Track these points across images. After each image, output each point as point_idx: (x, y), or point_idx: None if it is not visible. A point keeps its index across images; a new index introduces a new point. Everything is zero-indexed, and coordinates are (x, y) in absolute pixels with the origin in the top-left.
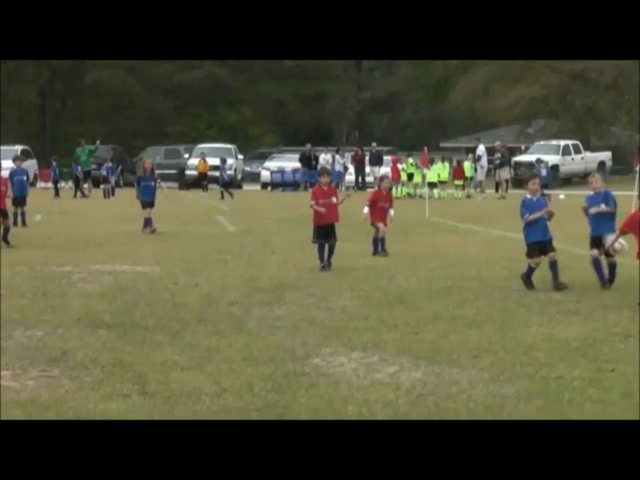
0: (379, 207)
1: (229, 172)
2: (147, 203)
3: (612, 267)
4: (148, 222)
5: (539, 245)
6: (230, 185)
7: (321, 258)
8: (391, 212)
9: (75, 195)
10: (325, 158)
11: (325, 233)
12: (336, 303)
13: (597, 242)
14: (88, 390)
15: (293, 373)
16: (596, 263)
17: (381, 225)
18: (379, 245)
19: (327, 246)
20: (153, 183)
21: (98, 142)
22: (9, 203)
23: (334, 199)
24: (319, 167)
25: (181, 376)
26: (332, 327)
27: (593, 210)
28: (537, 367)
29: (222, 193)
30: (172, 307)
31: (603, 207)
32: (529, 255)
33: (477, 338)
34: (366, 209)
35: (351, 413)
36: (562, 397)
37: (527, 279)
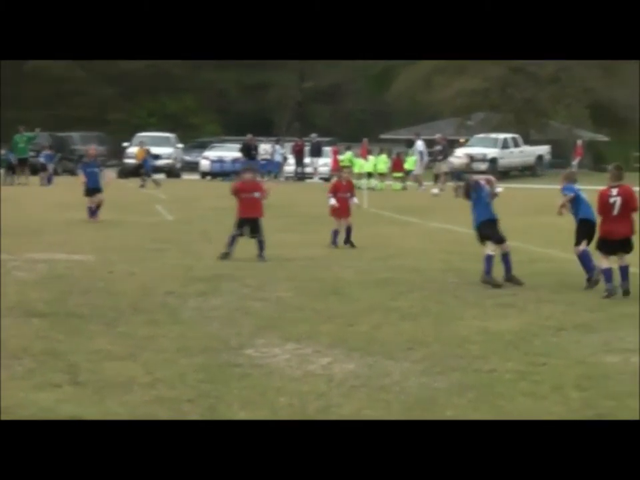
0: (339, 197)
1: (167, 161)
2: (92, 189)
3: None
4: (96, 209)
5: (489, 225)
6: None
7: (229, 245)
8: (354, 199)
9: (7, 182)
10: (264, 148)
11: (243, 226)
12: (272, 294)
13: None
14: (19, 379)
15: (227, 363)
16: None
17: (341, 219)
18: (337, 237)
19: (255, 241)
20: (97, 170)
21: (38, 130)
22: None
23: (256, 194)
24: (258, 156)
25: (113, 365)
26: (267, 317)
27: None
28: (470, 359)
29: (144, 182)
30: (107, 296)
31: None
32: (483, 236)
33: (412, 330)
34: (332, 200)
35: (283, 404)
36: (494, 390)
37: (489, 276)
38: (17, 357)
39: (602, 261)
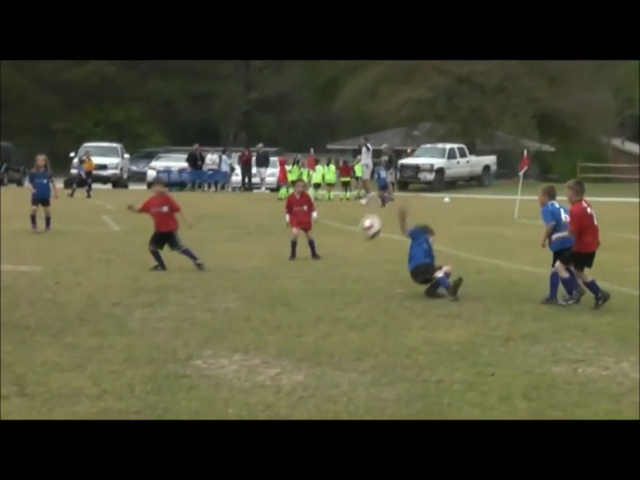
0: (295, 211)
1: (114, 171)
2: (39, 200)
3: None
4: (32, 219)
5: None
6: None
7: (158, 261)
8: (314, 214)
9: None
10: (211, 158)
11: (159, 241)
12: (219, 305)
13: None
14: None
15: (174, 374)
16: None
17: (294, 229)
18: (296, 249)
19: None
20: (44, 180)
21: None
22: None
23: (164, 208)
24: (205, 166)
25: (61, 377)
26: (214, 328)
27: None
28: (418, 370)
29: (73, 192)
30: (53, 306)
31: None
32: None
33: (359, 340)
34: (287, 217)
35: (232, 415)
36: (442, 400)
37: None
38: None
39: (583, 275)
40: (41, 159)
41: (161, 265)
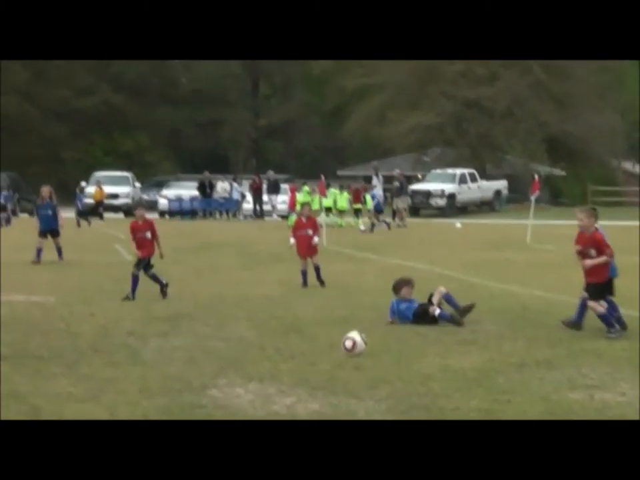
0: (300, 235)
1: (125, 200)
2: (44, 232)
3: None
4: (38, 252)
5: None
6: (89, 213)
7: (159, 282)
8: (315, 239)
9: None
10: (222, 186)
11: (146, 267)
12: (233, 333)
13: None
14: None
15: (190, 404)
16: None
17: (303, 260)
18: (306, 277)
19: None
20: (49, 211)
21: None
22: None
23: (148, 234)
24: (215, 194)
25: (75, 408)
26: (228, 357)
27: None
28: (434, 397)
29: (78, 222)
30: (67, 337)
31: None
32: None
33: (374, 368)
34: (292, 240)
35: None
36: None
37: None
38: None
39: (598, 306)
40: (45, 190)
41: (162, 284)
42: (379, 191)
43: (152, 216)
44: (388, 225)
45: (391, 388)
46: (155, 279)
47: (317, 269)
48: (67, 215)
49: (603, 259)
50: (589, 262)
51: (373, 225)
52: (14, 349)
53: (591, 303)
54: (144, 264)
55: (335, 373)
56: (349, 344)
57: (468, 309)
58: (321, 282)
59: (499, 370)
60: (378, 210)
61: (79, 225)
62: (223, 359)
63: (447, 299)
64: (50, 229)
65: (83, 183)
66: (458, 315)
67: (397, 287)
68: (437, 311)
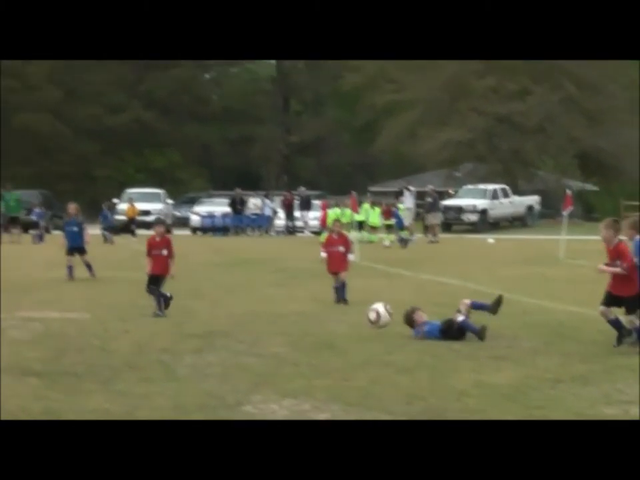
0: (331, 251)
1: (158, 217)
2: (70, 249)
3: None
4: (69, 269)
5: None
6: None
7: (159, 301)
8: (349, 257)
9: None
10: (254, 202)
11: (155, 283)
12: (266, 349)
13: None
14: None
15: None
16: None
17: (335, 275)
18: (339, 293)
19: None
20: (76, 228)
21: (8, 185)
22: None
23: (164, 251)
24: (247, 210)
25: None
26: (263, 373)
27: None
28: (469, 413)
29: (105, 237)
30: (102, 353)
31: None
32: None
33: (408, 384)
34: (323, 254)
35: None
36: None
37: None
38: (16, 418)
39: (609, 313)
40: (72, 207)
41: (167, 303)
42: (410, 206)
43: (184, 232)
44: (405, 242)
45: (426, 404)
46: (157, 296)
47: (343, 286)
48: (97, 232)
49: (617, 269)
50: (601, 267)
51: (402, 240)
52: (49, 365)
53: (601, 309)
54: (155, 280)
55: (370, 389)
56: (372, 316)
57: (498, 303)
58: (344, 300)
59: (533, 386)
60: (399, 227)
61: (105, 240)
62: (257, 375)
63: (475, 306)
64: (76, 246)
65: (115, 200)
66: (484, 329)
67: (409, 319)
68: (461, 317)
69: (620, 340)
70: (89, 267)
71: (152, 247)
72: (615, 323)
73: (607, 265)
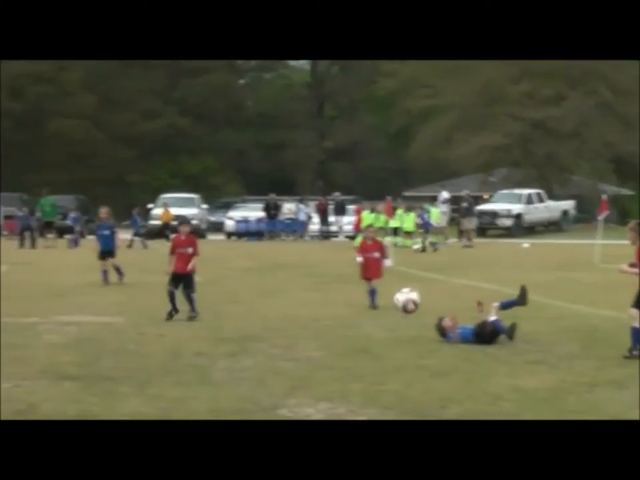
0: (367, 257)
1: (192, 221)
2: (102, 252)
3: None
4: (104, 274)
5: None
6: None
7: (171, 302)
8: (385, 262)
9: (33, 246)
10: (288, 207)
11: (177, 282)
12: (301, 353)
13: None
14: None
15: None
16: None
17: (368, 280)
18: (373, 298)
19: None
20: (108, 232)
21: (44, 190)
22: None
23: (189, 250)
24: (281, 215)
25: None
26: (298, 377)
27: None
28: (504, 417)
29: (131, 241)
30: (137, 357)
31: None
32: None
33: (443, 388)
34: (359, 258)
35: None
36: None
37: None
38: (51, 421)
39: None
40: (103, 211)
41: (175, 309)
42: (445, 209)
43: (218, 237)
44: (424, 248)
45: (461, 408)
46: (188, 299)
47: (374, 293)
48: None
49: (636, 270)
50: (622, 267)
51: (431, 244)
52: (84, 369)
53: (632, 311)
54: (178, 279)
55: (404, 392)
56: (410, 306)
57: (523, 293)
58: (375, 307)
59: (569, 390)
60: (427, 230)
61: (130, 245)
62: (292, 379)
63: (504, 305)
64: (108, 249)
65: (150, 205)
66: (513, 328)
67: (440, 328)
68: (492, 317)
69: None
70: (118, 270)
71: (176, 245)
72: (635, 333)
73: (630, 265)
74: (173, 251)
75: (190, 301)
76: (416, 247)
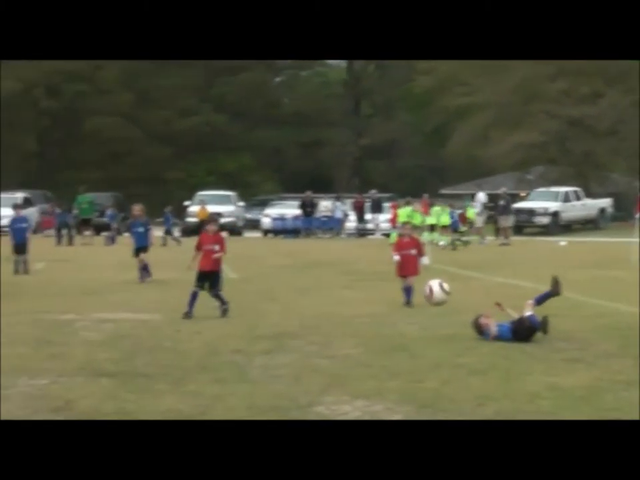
0: (403, 255)
1: (229, 219)
2: (136, 249)
3: None
4: (143, 269)
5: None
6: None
7: (190, 305)
8: (423, 260)
9: (70, 243)
10: (325, 205)
11: (204, 280)
12: (338, 351)
13: None
14: None
15: None
16: None
17: (404, 278)
18: (409, 294)
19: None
20: (142, 229)
21: (81, 188)
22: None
23: (216, 247)
24: (317, 213)
25: None
26: (334, 374)
27: None
28: (541, 415)
29: (164, 239)
30: (174, 354)
31: None
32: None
33: (480, 386)
34: (396, 256)
35: None
36: None
37: None
38: (88, 417)
39: None
40: (136, 209)
41: (191, 311)
42: (482, 208)
43: (255, 235)
44: (454, 245)
45: (498, 406)
46: (216, 297)
47: (409, 290)
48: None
49: None
50: None
51: (458, 242)
52: (121, 366)
53: None
54: (204, 277)
55: (442, 390)
56: (426, 291)
57: (556, 284)
58: (410, 304)
59: (606, 388)
60: (454, 228)
61: (164, 243)
62: (329, 376)
63: (539, 300)
64: (141, 246)
65: (187, 202)
66: (545, 322)
67: (477, 326)
68: (529, 312)
69: None
70: (145, 268)
71: (203, 242)
72: None
73: None
74: (199, 248)
75: (218, 297)
76: (442, 243)
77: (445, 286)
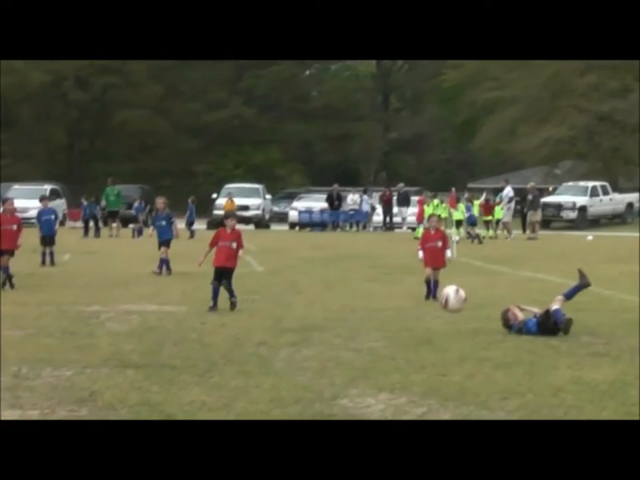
0: (428, 247)
1: (256, 212)
2: (160, 243)
3: None
4: (161, 263)
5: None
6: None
7: (213, 299)
8: (447, 253)
9: (97, 234)
10: (352, 198)
11: (220, 276)
12: (363, 344)
13: None
14: None
15: (321, 414)
16: None
17: (428, 269)
18: (431, 289)
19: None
20: (164, 222)
21: (109, 180)
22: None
23: (234, 244)
24: (345, 206)
25: (208, 416)
26: (359, 367)
27: None
28: (566, 409)
29: (192, 233)
30: (199, 347)
31: None
32: None
33: (505, 380)
34: (420, 253)
35: None
36: None
37: None
38: (113, 408)
39: None
40: (160, 202)
41: (215, 305)
42: (510, 204)
43: (282, 228)
44: (480, 239)
45: (523, 400)
46: (229, 292)
47: (436, 284)
48: (199, 226)
49: None
50: None
51: (472, 236)
52: (147, 358)
53: None
54: (221, 273)
55: (466, 384)
56: (442, 301)
57: (583, 276)
58: (434, 297)
59: (631, 383)
60: (471, 223)
61: (192, 235)
62: (353, 369)
63: (568, 295)
64: (164, 239)
65: (214, 195)
66: (568, 322)
67: (505, 319)
68: (555, 306)
69: None
70: (164, 262)
71: (219, 238)
72: None
73: None
74: (213, 244)
75: (228, 289)
76: (455, 238)
77: (462, 293)
